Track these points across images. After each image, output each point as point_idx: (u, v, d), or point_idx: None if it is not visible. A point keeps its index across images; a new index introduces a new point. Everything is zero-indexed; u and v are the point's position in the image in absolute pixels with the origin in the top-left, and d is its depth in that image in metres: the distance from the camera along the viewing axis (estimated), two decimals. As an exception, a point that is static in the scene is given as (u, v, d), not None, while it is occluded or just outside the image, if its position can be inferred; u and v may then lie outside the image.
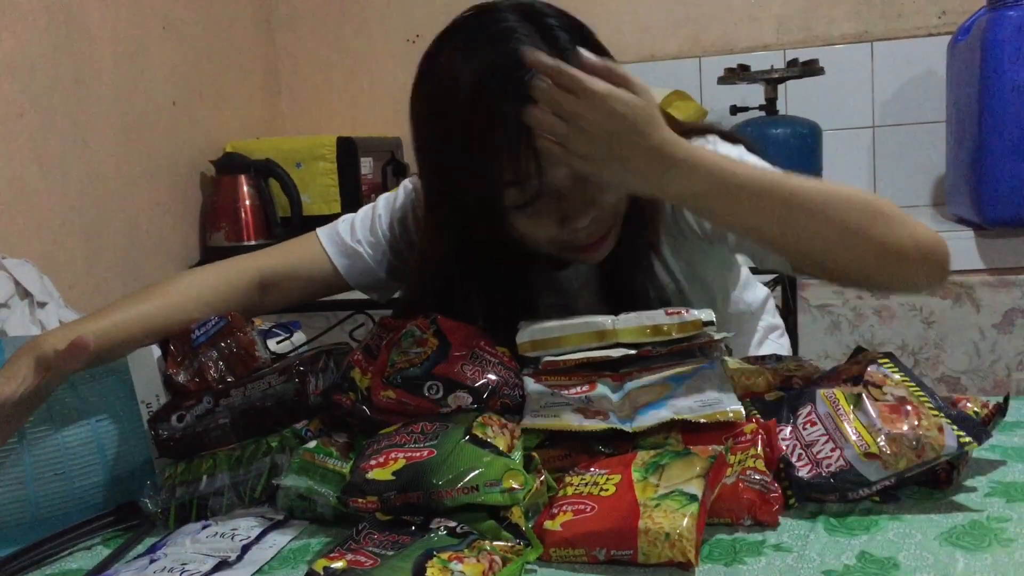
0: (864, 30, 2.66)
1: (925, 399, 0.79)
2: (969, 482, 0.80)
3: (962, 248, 2.12)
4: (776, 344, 1.41)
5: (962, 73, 2.18)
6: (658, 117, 0.85)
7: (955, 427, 0.75)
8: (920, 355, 2.13)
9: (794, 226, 0.89)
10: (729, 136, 1.10)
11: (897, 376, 0.83)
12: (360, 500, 0.76)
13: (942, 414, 0.77)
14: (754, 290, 1.38)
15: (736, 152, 1.05)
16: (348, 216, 1.22)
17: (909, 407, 0.77)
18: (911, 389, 0.81)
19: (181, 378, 0.97)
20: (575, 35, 0.95)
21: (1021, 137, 2.01)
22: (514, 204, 0.96)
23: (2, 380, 0.86)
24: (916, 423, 0.76)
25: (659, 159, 0.85)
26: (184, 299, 1.04)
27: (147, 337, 1.00)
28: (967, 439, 0.75)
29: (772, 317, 1.43)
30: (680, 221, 1.09)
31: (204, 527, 0.84)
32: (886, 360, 0.87)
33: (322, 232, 1.19)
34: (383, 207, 1.22)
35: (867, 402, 0.79)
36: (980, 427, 0.77)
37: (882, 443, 0.75)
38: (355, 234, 1.19)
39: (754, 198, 0.87)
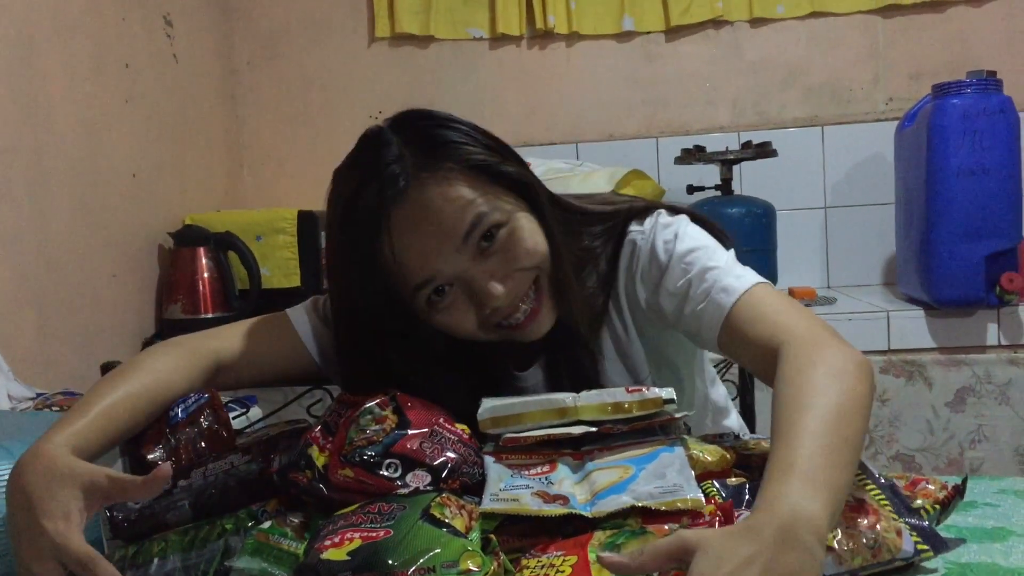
0: (814, 114, 2.75)
1: (885, 503, 0.80)
2: (926, 563, 0.81)
3: (913, 327, 2.16)
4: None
5: (909, 158, 2.25)
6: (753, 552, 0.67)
7: (914, 533, 0.76)
8: (875, 432, 2.16)
9: (849, 455, 0.79)
10: (671, 208, 1.12)
11: (860, 479, 0.85)
12: (314, 582, 0.74)
13: (901, 519, 0.78)
14: (718, 388, 1.38)
15: (680, 226, 1.07)
16: (316, 297, 1.18)
17: (869, 509, 0.78)
18: (872, 493, 0.82)
19: (156, 458, 0.94)
20: (458, 131, 0.99)
21: (967, 220, 2.08)
22: (423, 307, 0.99)
23: (57, 521, 0.78)
24: (875, 523, 0.77)
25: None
26: (155, 382, 0.99)
27: (137, 424, 0.96)
28: (924, 547, 0.76)
29: (736, 418, 1.41)
30: (632, 300, 1.10)
31: (152, 611, 0.81)
32: None
33: (292, 313, 1.16)
34: None
35: None
36: (937, 537, 0.78)
37: (840, 537, 0.75)
38: (324, 315, 1.15)
39: (832, 472, 0.76)
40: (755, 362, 0.98)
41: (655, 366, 1.15)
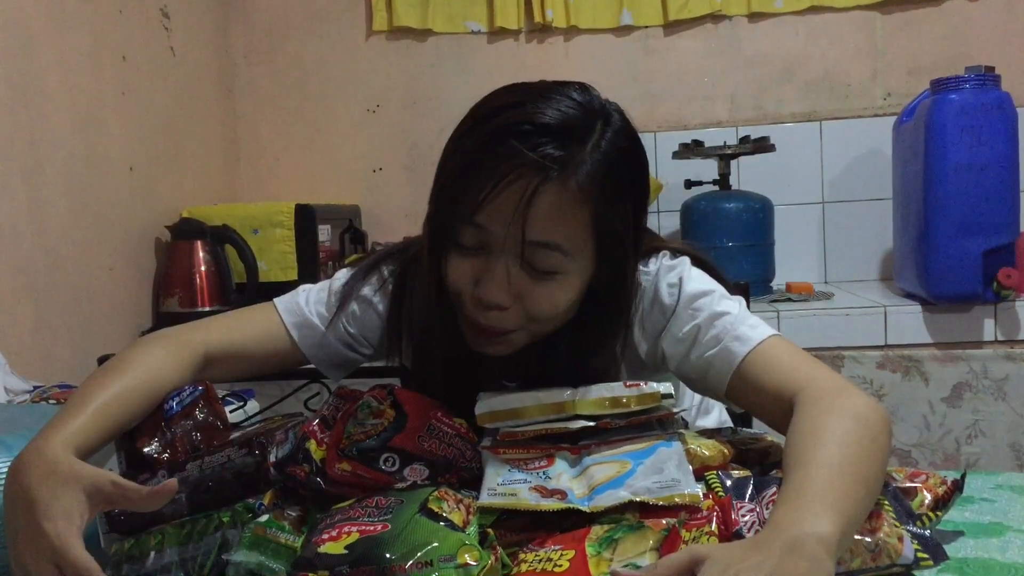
0: (812, 109, 2.75)
1: (889, 508, 0.80)
2: (923, 561, 0.81)
3: (910, 323, 2.17)
4: None
5: (907, 153, 2.25)
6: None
7: (915, 541, 0.76)
8: (872, 428, 2.16)
9: (865, 494, 0.78)
10: (674, 249, 1.09)
11: None
12: (311, 574, 0.74)
13: (903, 526, 0.78)
14: (709, 417, 1.37)
15: (684, 269, 1.06)
16: (306, 286, 1.18)
17: (872, 513, 0.78)
18: (879, 498, 0.82)
19: (152, 451, 0.94)
20: (630, 182, 0.99)
21: (965, 215, 2.08)
22: (459, 240, 0.96)
23: (58, 523, 0.77)
24: (877, 527, 0.77)
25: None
26: (148, 377, 0.98)
27: (132, 419, 0.95)
28: (924, 555, 0.76)
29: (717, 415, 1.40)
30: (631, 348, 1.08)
31: (149, 604, 0.81)
32: None
33: (280, 302, 1.15)
34: (343, 276, 1.18)
35: None
36: (939, 547, 0.77)
37: None
38: (312, 306, 1.14)
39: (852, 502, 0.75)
40: (767, 409, 0.96)
41: None
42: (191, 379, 1.03)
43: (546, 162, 0.91)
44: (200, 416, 0.96)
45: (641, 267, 1.07)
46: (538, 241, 0.93)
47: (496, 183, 0.91)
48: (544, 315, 0.98)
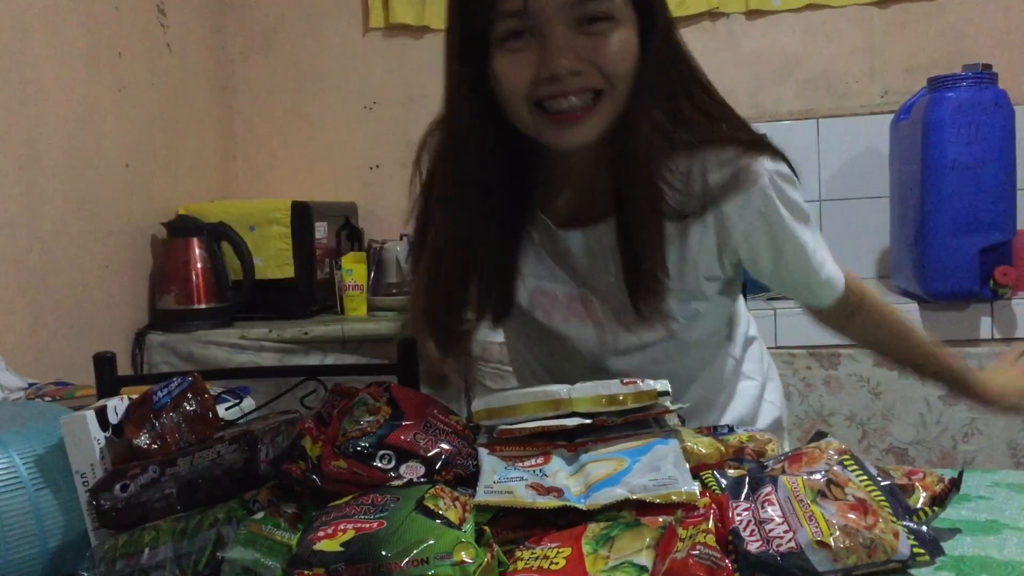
0: (810, 107, 2.75)
1: (885, 504, 0.80)
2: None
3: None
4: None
5: (904, 151, 2.25)
6: None
7: (911, 536, 0.76)
8: (868, 426, 2.16)
9: None
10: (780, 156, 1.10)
11: (860, 478, 0.84)
12: (307, 572, 0.74)
13: (900, 522, 0.78)
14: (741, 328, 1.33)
15: (794, 189, 1.10)
16: None
17: (869, 509, 0.78)
18: (873, 493, 0.82)
19: (141, 442, 0.94)
20: None
21: (961, 213, 2.08)
22: (502, 34, 0.96)
23: None
24: (873, 523, 0.76)
25: None
26: None
27: None
28: (921, 551, 0.75)
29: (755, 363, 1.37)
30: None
31: (144, 602, 0.81)
32: (850, 461, 0.88)
33: None
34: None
35: (828, 498, 0.80)
36: (935, 542, 0.77)
37: (836, 534, 0.75)
38: None
39: None
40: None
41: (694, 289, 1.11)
42: None
43: None
44: (189, 408, 0.96)
45: (764, 160, 1.06)
46: (580, 1, 0.93)
47: None
48: (615, 67, 0.97)
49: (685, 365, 1.20)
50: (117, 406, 0.99)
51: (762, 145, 1.07)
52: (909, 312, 2.16)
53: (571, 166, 1.09)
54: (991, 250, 2.08)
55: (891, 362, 1.37)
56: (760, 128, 1.13)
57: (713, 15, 2.76)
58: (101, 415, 0.96)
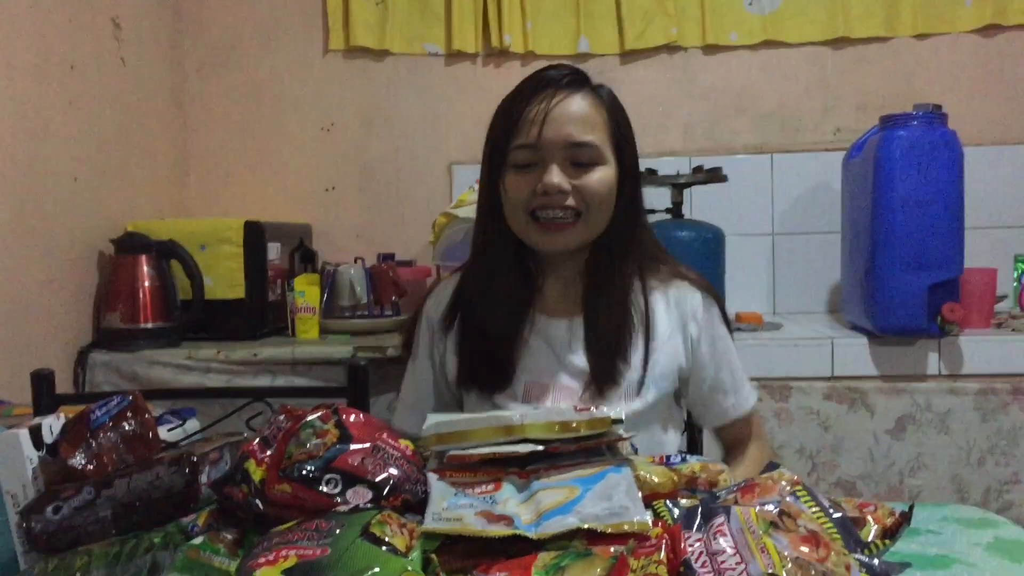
0: (764, 141, 2.78)
1: (837, 537, 0.79)
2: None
3: (856, 355, 2.19)
4: None
5: (855, 187, 2.29)
6: None
7: (863, 570, 0.76)
8: (817, 459, 2.17)
9: None
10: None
11: (812, 510, 0.84)
12: (246, 602, 0.71)
13: (851, 555, 0.77)
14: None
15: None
16: None
17: (821, 541, 0.78)
18: (825, 526, 0.82)
19: (76, 462, 0.90)
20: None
21: (911, 250, 2.11)
22: (515, 162, 1.28)
23: None
24: (825, 556, 0.76)
25: None
26: None
27: None
28: None
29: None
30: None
31: (73, 630, 0.77)
32: (803, 492, 0.87)
33: None
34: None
35: (781, 529, 0.79)
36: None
37: (789, 567, 0.74)
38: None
39: None
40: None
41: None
42: None
43: (575, 78, 1.29)
44: (128, 428, 0.92)
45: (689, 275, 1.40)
46: (578, 141, 1.25)
47: (543, 100, 1.26)
48: (594, 196, 1.27)
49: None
50: (53, 424, 0.95)
51: (707, 283, 1.41)
52: (859, 347, 2.18)
53: (558, 267, 1.36)
54: (939, 287, 2.11)
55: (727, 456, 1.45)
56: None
57: (671, 49, 2.79)
58: (35, 433, 0.93)
